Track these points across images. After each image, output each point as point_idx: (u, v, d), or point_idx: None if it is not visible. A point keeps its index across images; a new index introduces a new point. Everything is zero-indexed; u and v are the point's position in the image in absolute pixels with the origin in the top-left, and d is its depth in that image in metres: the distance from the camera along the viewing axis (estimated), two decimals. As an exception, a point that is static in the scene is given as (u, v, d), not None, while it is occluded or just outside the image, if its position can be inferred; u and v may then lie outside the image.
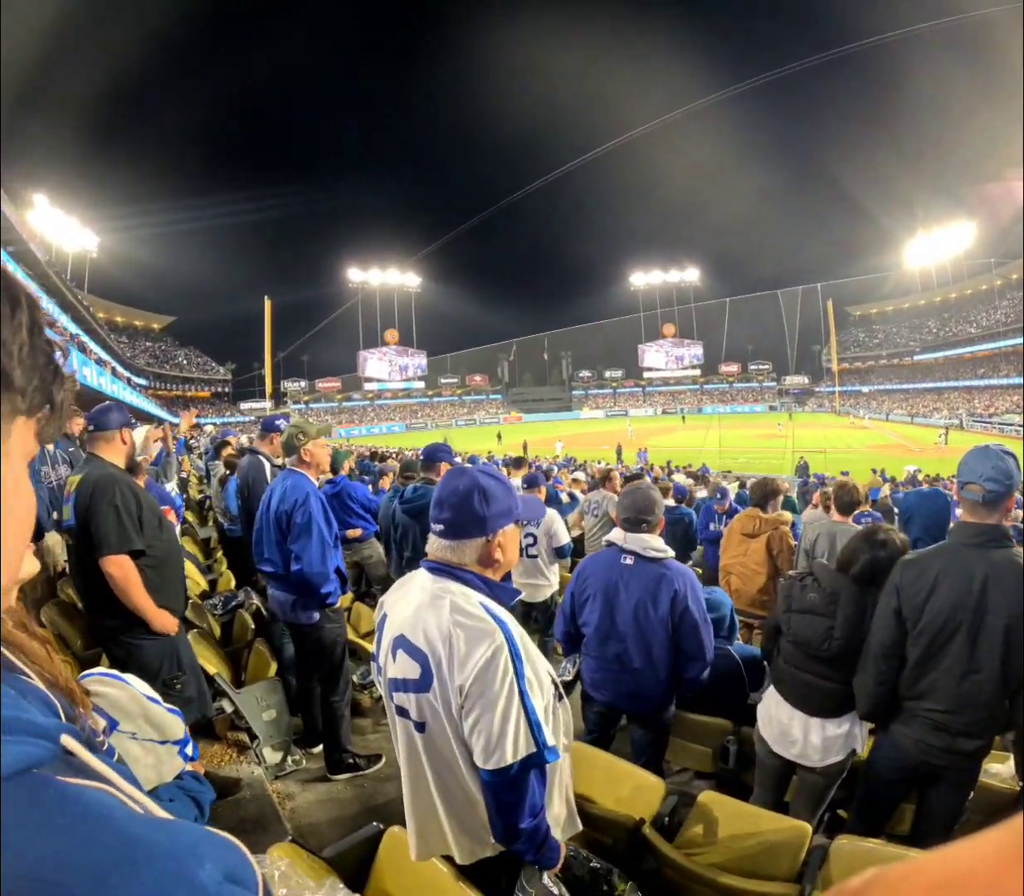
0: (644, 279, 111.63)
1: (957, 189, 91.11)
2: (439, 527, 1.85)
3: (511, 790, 1.71)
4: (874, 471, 22.15)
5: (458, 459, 20.17)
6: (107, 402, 3.81)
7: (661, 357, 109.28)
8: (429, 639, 1.73)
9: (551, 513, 5.77)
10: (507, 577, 2.00)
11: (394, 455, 19.41)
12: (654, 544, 3.30)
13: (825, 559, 4.80)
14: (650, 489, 3.45)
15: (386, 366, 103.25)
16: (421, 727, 1.78)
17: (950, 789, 2.80)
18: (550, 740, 1.71)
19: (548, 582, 5.79)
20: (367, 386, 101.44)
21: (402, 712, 1.83)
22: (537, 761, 1.69)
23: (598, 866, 2.18)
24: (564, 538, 5.72)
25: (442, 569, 1.84)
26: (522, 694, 1.67)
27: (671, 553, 3.34)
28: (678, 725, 3.73)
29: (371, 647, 4.80)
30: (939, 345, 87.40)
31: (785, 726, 3.13)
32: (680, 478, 17.81)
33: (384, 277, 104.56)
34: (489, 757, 1.66)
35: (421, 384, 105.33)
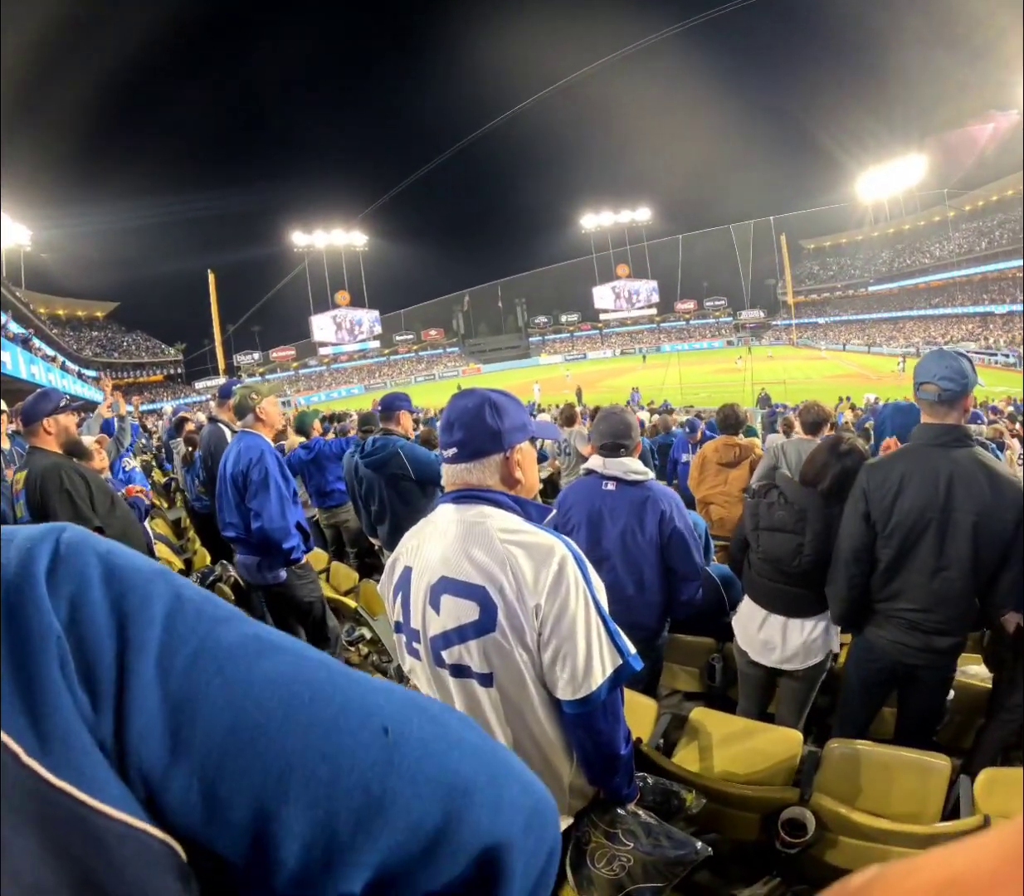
0: (595, 220, 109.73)
1: (909, 122, 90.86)
2: (452, 451, 1.73)
3: (605, 715, 1.59)
4: (841, 399, 22.37)
5: (420, 412, 19.85)
6: (33, 392, 3.78)
7: (616, 298, 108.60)
8: (484, 569, 1.58)
9: None
10: None
11: (354, 415, 19.33)
12: (634, 467, 3.23)
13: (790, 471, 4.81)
14: (624, 413, 3.38)
15: (339, 329, 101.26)
16: (487, 679, 1.60)
17: (928, 688, 2.88)
18: (631, 647, 1.61)
19: None
20: (322, 351, 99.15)
21: (460, 671, 1.64)
22: (626, 674, 1.59)
23: (664, 783, 2.15)
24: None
25: (469, 495, 1.71)
26: (596, 602, 1.58)
27: (652, 475, 3.29)
28: (667, 648, 3.73)
29: (353, 603, 4.81)
30: (893, 276, 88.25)
31: (763, 634, 3.17)
32: (644, 415, 17.94)
33: (329, 238, 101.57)
34: (579, 685, 1.54)
35: (376, 344, 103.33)
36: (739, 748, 2.64)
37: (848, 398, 23.72)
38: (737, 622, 3.35)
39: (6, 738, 0.40)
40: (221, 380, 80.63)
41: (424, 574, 1.68)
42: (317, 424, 7.51)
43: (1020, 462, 8.17)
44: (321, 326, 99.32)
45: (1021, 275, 61.70)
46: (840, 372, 48.43)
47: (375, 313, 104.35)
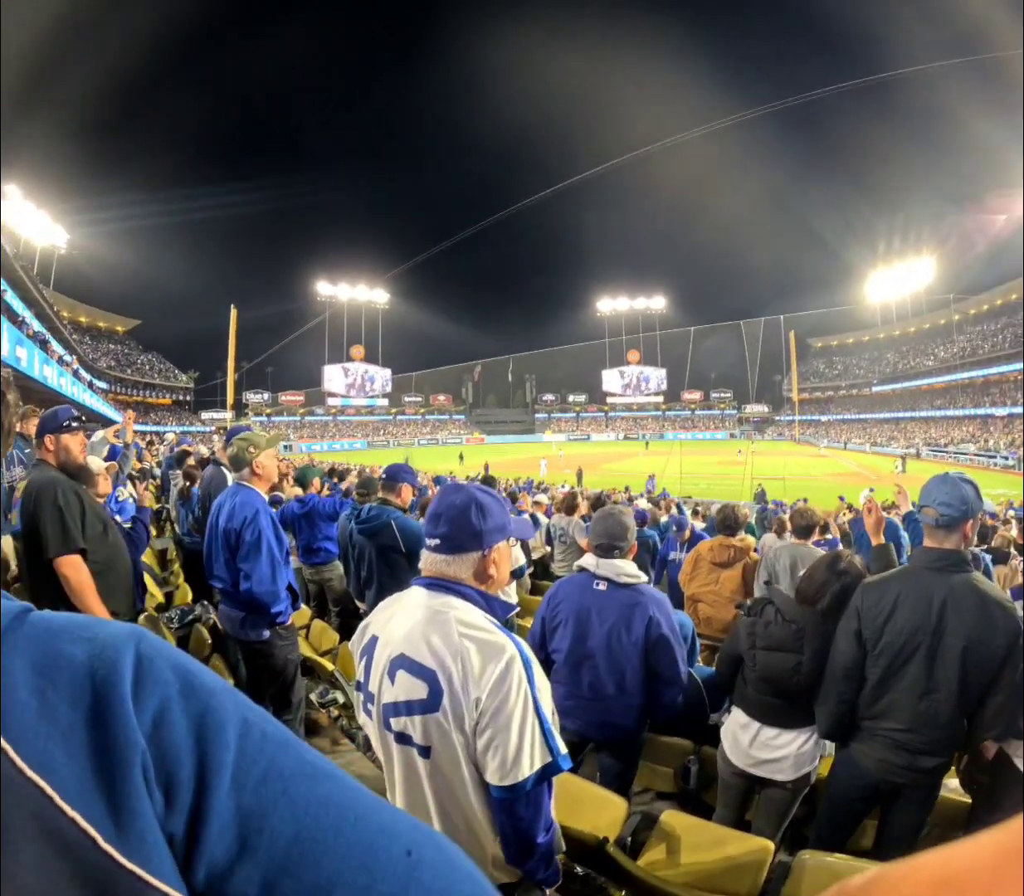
0: (611, 305, 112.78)
1: (919, 226, 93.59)
2: (435, 541, 1.84)
3: (528, 804, 1.67)
4: (841, 499, 22.47)
5: (421, 479, 19.89)
6: (56, 406, 3.82)
7: (624, 383, 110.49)
8: (437, 655, 1.69)
9: None
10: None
11: (356, 471, 19.24)
12: (627, 570, 3.27)
13: (787, 579, 4.82)
14: (622, 515, 3.42)
15: (350, 382, 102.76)
16: (426, 752, 1.72)
17: (911, 805, 2.86)
18: (562, 748, 1.69)
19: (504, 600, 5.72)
20: (330, 401, 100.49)
21: (403, 739, 1.75)
22: (553, 771, 1.67)
23: (591, 875, 2.16)
24: (520, 559, 5.72)
25: (441, 584, 1.83)
26: (535, 703, 1.66)
27: (644, 578, 3.32)
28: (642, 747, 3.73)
29: (330, 665, 4.78)
30: (897, 377, 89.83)
31: (755, 745, 3.14)
32: (643, 503, 17.93)
33: (353, 292, 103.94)
34: (506, 773, 1.62)
35: (385, 401, 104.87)
36: (707, 854, 2.61)
37: (843, 498, 23.72)
38: (726, 732, 3.32)
39: (84, 824, 0.48)
40: (228, 414, 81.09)
41: (387, 646, 1.80)
42: (316, 480, 7.53)
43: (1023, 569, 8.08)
44: (333, 377, 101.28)
45: (1022, 378, 63.12)
46: (840, 470, 48.57)
47: (387, 372, 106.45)
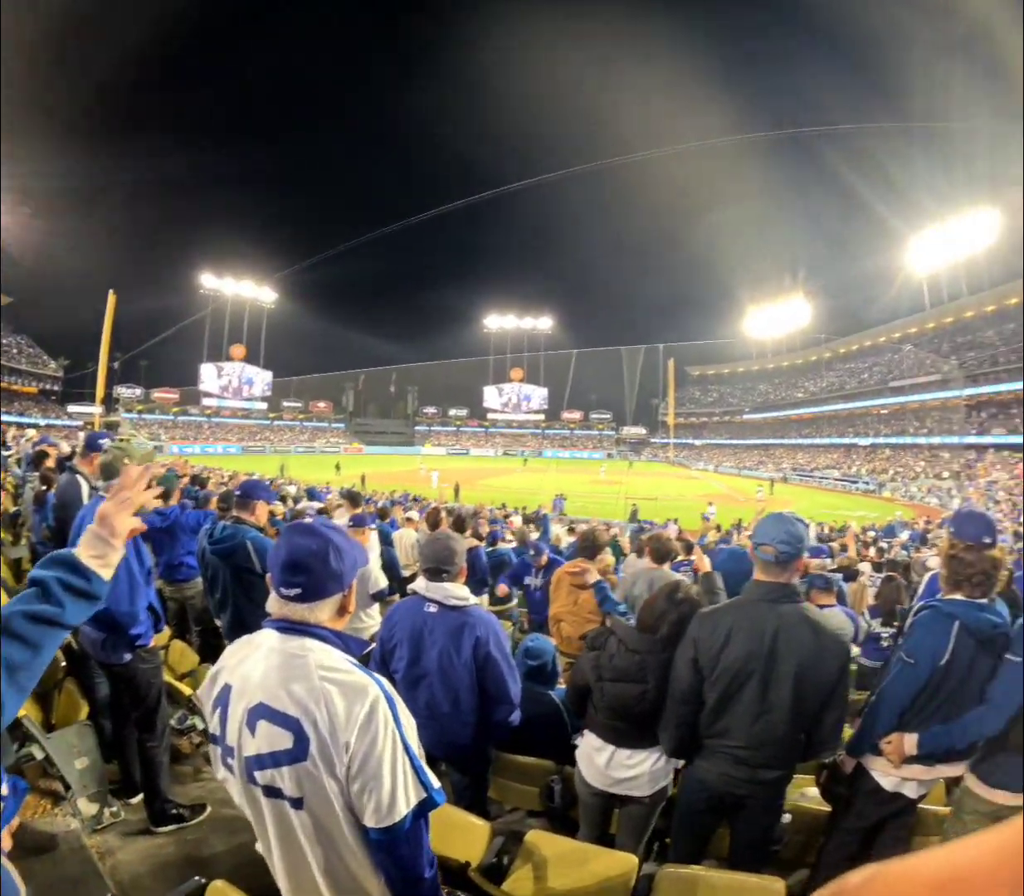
0: (499, 322, 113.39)
1: (798, 270, 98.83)
2: (295, 591, 1.76)
3: (408, 843, 1.67)
4: (706, 518, 23.25)
5: (294, 487, 19.31)
6: None
7: (506, 399, 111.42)
8: (300, 703, 1.64)
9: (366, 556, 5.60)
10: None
11: (226, 480, 18.61)
12: (456, 592, 3.33)
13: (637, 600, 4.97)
14: (449, 539, 3.46)
15: (228, 382, 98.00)
16: (298, 803, 1.66)
17: (756, 815, 3.00)
18: (435, 782, 1.69)
19: (365, 623, 5.65)
20: (206, 401, 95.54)
21: (272, 792, 1.68)
22: (429, 806, 1.67)
23: None
24: (381, 582, 5.69)
25: (295, 628, 1.77)
26: (404, 741, 1.66)
27: (473, 600, 3.38)
28: (505, 767, 3.78)
29: (188, 690, 4.66)
30: (768, 406, 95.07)
31: (610, 766, 3.21)
32: (517, 520, 18.08)
33: (238, 288, 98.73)
34: (384, 815, 1.62)
35: (263, 405, 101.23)
36: (574, 872, 2.64)
37: (707, 517, 24.54)
38: (581, 755, 3.38)
39: None
40: (96, 408, 74.16)
41: (243, 695, 1.73)
42: (177, 492, 7.22)
43: (872, 586, 8.50)
44: (210, 376, 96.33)
45: (884, 412, 69.50)
46: (710, 491, 49.89)
47: (268, 374, 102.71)
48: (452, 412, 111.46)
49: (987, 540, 3.01)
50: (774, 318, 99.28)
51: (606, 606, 4.95)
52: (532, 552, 7.87)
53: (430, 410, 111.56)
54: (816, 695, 2.77)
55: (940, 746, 2.92)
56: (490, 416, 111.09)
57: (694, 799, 3.05)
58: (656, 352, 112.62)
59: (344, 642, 1.80)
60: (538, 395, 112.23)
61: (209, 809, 3.95)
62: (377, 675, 1.73)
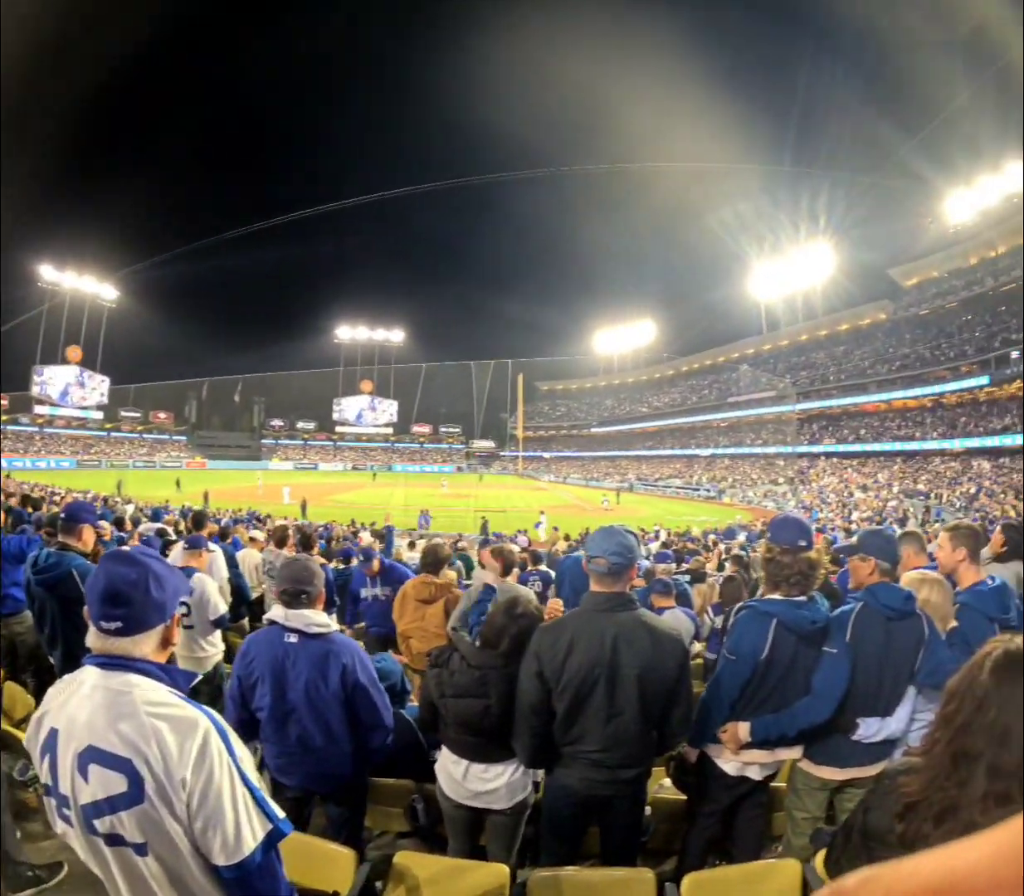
0: (350, 333, 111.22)
1: (644, 294, 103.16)
2: (115, 624, 1.68)
3: (263, 877, 1.62)
4: (556, 529, 23.64)
5: (132, 506, 18.55)
6: None
7: (356, 412, 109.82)
8: (130, 742, 1.56)
9: (203, 580, 5.37)
10: (171, 658, 1.88)
11: (61, 497, 17.61)
12: (316, 620, 3.21)
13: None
14: (308, 561, 3.38)
15: (62, 388, 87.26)
16: (143, 849, 1.57)
17: (623, 812, 3.10)
18: (279, 812, 1.64)
19: (207, 652, 5.39)
20: (38, 409, 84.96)
21: (115, 840, 1.59)
22: (277, 837, 1.62)
23: None
24: (221, 608, 5.37)
25: (117, 663, 1.68)
26: (240, 772, 1.60)
27: (334, 627, 3.30)
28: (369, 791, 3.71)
29: (24, 736, 4.30)
30: (614, 420, 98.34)
31: (467, 781, 3.19)
32: (365, 536, 17.87)
33: (79, 282, 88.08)
34: (232, 851, 1.56)
35: (99, 415, 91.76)
36: (447, 888, 2.64)
37: (557, 528, 24.96)
38: (440, 769, 3.35)
39: None
40: None
41: (71, 740, 1.63)
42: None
43: (718, 585, 8.81)
44: (43, 380, 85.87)
45: (723, 425, 74.57)
46: (559, 503, 50.95)
47: (106, 381, 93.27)
48: (300, 425, 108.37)
49: (802, 543, 3.20)
50: (621, 337, 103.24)
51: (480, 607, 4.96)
52: (362, 558, 7.40)
53: (277, 423, 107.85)
54: (661, 693, 2.91)
55: (772, 733, 3.13)
56: (339, 429, 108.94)
57: (560, 805, 3.09)
58: (506, 367, 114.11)
59: (169, 675, 1.73)
60: (388, 408, 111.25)
61: (67, 867, 3.61)
62: (205, 707, 1.66)
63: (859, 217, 67.96)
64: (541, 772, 3.34)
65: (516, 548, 10.11)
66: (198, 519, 7.74)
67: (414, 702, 4.26)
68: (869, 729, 3.17)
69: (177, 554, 6.08)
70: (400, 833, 3.94)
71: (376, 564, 7.01)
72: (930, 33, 61.01)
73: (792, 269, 74.27)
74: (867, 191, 64.97)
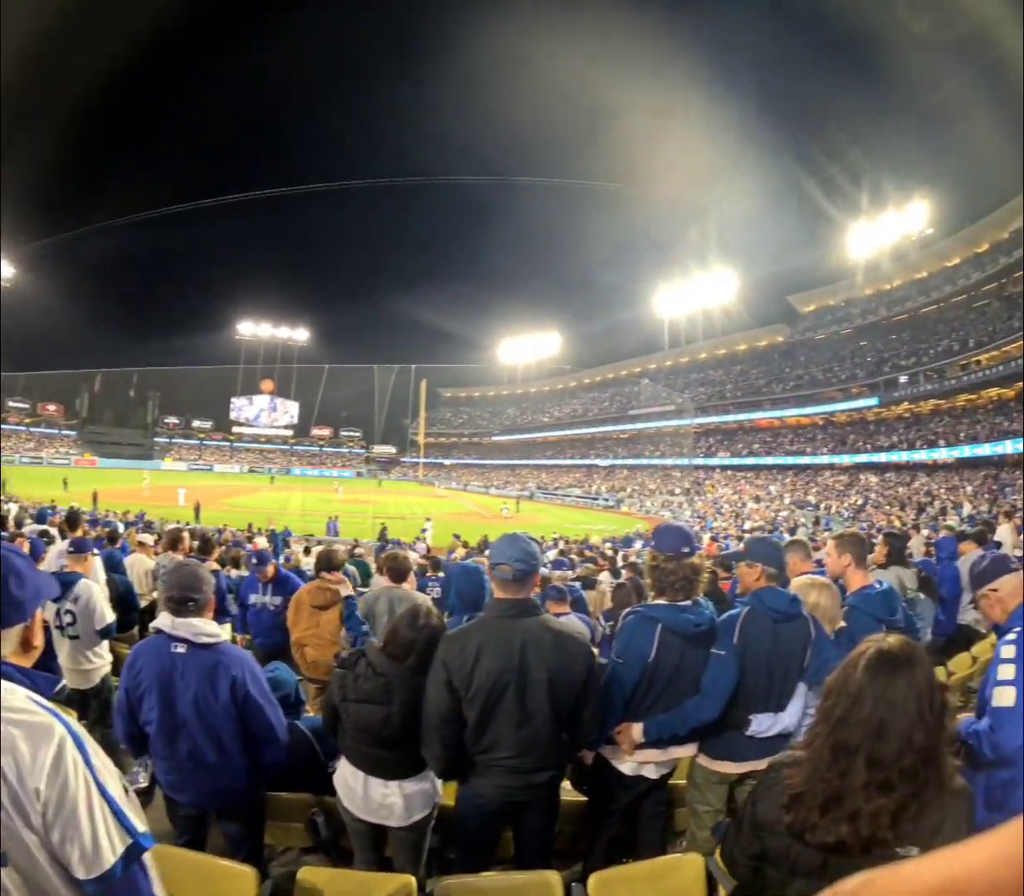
0: (253, 330, 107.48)
1: (548, 305, 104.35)
2: None
3: (127, 892, 1.55)
4: (456, 536, 23.61)
5: (15, 505, 17.82)
6: None
7: (254, 413, 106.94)
8: None
9: (90, 586, 5.12)
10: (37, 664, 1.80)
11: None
12: (205, 629, 3.11)
13: (385, 621, 4.97)
14: (196, 566, 3.30)
15: None
16: (2, 859, 1.48)
17: (539, 815, 3.15)
18: (140, 826, 1.58)
19: (94, 664, 5.17)
20: None
21: None
22: (137, 852, 1.55)
23: None
24: (108, 617, 5.12)
25: None
26: (98, 784, 1.52)
27: (224, 637, 3.21)
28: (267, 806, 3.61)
29: None
30: (515, 429, 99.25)
31: (364, 793, 3.15)
32: (262, 541, 17.53)
33: None
34: (91, 864, 1.49)
35: None
36: None
37: (457, 536, 24.93)
38: (339, 781, 3.28)
39: None
40: None
41: None
42: None
43: (610, 592, 8.94)
44: None
45: (623, 437, 77.26)
46: (460, 510, 51.11)
47: None
48: (196, 424, 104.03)
49: (685, 550, 3.33)
50: (526, 347, 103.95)
51: (349, 622, 4.94)
52: (255, 561, 6.91)
53: (172, 420, 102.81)
54: (570, 695, 2.96)
55: (664, 732, 3.23)
56: (237, 430, 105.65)
57: (475, 814, 3.09)
58: (409, 372, 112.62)
59: (31, 680, 1.67)
60: (288, 409, 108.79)
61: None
62: (62, 715, 1.59)
63: (763, 245, 72.18)
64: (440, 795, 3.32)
65: (414, 555, 10.12)
66: (72, 519, 7.38)
67: (310, 712, 4.20)
68: (762, 724, 3.30)
69: (54, 557, 5.85)
70: (304, 848, 3.87)
71: (271, 569, 6.67)
72: (849, 76, 63.82)
73: (696, 290, 76.77)
74: (774, 221, 68.17)
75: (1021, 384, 40.58)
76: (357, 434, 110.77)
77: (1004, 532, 10.73)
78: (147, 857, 1.63)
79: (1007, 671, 2.86)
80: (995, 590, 3.23)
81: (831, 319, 66.05)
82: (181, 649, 3.08)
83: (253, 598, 6.61)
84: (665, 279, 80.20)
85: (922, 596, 5.95)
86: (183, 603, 3.10)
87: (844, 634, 3.70)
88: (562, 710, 2.96)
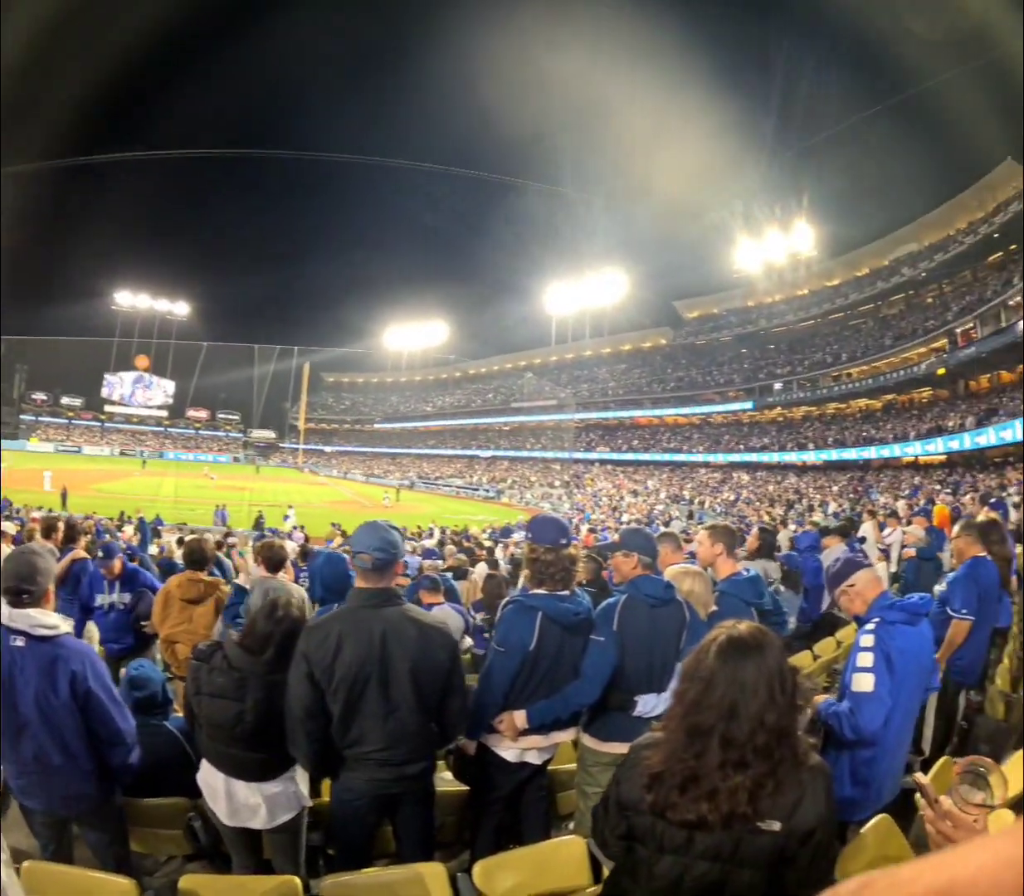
0: (131, 300, 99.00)
1: (437, 293, 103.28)
2: None
3: None
4: (335, 525, 23.25)
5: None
6: None
7: (128, 390, 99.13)
8: None
9: None
10: None
11: None
12: (44, 620, 2.92)
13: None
14: (33, 554, 3.11)
15: None
16: None
17: (415, 807, 3.14)
18: None
19: None
20: None
21: None
22: None
23: None
24: None
25: None
26: None
27: (65, 629, 3.01)
28: (138, 814, 3.41)
29: None
30: (398, 417, 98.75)
31: (229, 797, 3.03)
32: (129, 530, 16.97)
33: None
34: None
35: None
36: None
37: (340, 525, 24.63)
38: (202, 783, 3.15)
39: None
40: None
41: None
42: None
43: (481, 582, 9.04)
44: None
45: (505, 429, 79.14)
46: (339, 498, 50.65)
47: None
48: (65, 401, 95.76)
49: (562, 542, 3.42)
50: (413, 335, 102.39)
51: (227, 613, 4.90)
52: (101, 555, 6.13)
53: (40, 396, 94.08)
54: (435, 685, 2.97)
55: (547, 717, 3.30)
56: (109, 408, 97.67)
57: (349, 809, 3.06)
58: (291, 354, 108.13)
59: None
60: (163, 388, 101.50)
61: None
62: None
63: (655, 250, 73.34)
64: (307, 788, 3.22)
65: (292, 544, 9.94)
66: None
67: (178, 712, 4.01)
68: (646, 705, 3.39)
69: None
70: (187, 856, 3.70)
71: (117, 564, 6.07)
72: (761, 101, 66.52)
73: (587, 290, 77.80)
74: (668, 227, 70.48)
75: (888, 396, 45.52)
76: (235, 417, 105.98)
77: (867, 528, 11.57)
78: None
79: (866, 659, 3.06)
80: (852, 585, 3.43)
81: (713, 326, 69.40)
82: (20, 642, 2.88)
83: (99, 599, 6.03)
84: (557, 276, 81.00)
85: (782, 588, 6.24)
86: (18, 595, 2.92)
87: (716, 617, 3.82)
88: (428, 700, 2.97)
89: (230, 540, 15.84)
